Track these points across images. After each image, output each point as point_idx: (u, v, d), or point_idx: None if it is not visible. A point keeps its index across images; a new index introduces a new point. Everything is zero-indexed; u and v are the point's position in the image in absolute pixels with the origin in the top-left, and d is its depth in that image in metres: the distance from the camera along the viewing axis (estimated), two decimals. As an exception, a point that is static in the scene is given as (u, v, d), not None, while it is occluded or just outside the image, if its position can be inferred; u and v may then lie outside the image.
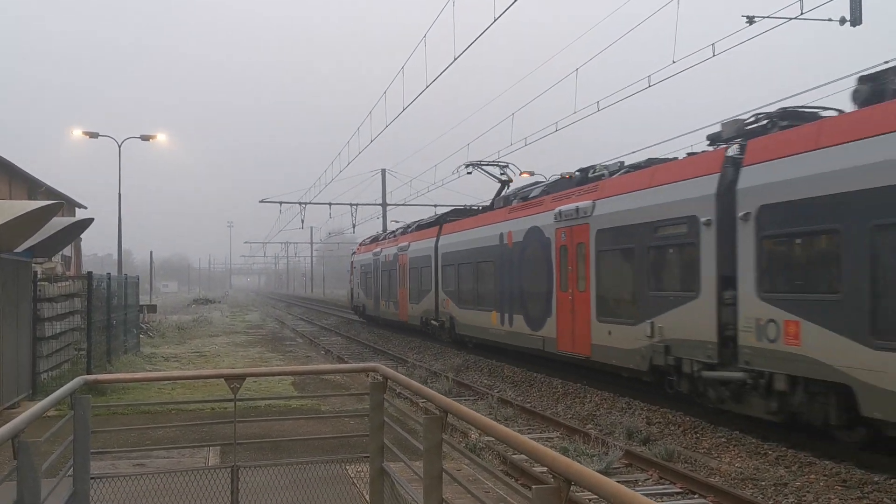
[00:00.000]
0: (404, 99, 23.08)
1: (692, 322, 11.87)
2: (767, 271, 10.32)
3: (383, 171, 51.17)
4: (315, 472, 6.06)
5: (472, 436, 11.40)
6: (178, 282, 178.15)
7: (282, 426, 10.15)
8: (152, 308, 33.14)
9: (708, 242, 11.52)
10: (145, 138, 34.20)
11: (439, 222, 26.30)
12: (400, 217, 75.34)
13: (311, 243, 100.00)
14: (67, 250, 34.52)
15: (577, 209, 15.45)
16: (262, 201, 50.68)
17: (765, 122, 11.44)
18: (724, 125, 12.18)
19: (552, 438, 11.77)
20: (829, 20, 15.20)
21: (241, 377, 5.87)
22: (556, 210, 16.43)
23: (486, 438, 11.21)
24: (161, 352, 22.23)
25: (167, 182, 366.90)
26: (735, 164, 11.20)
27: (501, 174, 25.46)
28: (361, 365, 6.85)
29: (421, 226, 28.53)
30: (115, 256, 34.97)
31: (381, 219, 52.19)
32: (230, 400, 6.36)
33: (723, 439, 11.10)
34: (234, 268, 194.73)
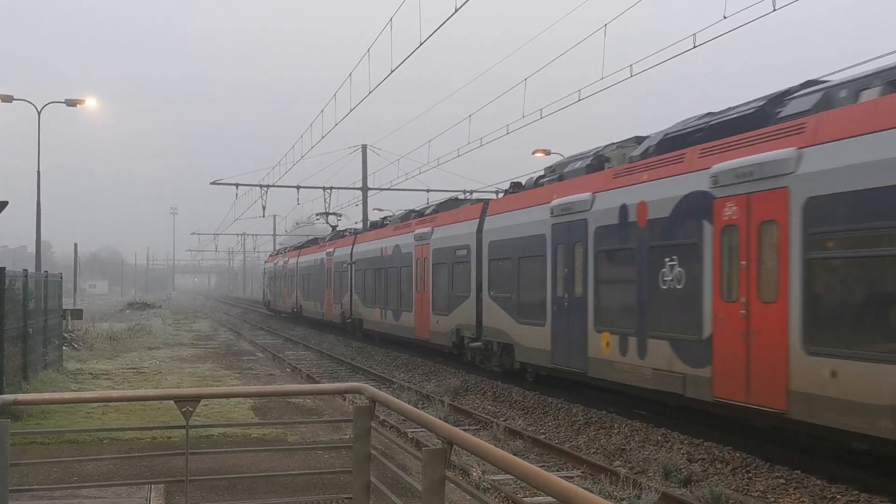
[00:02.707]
0: (392, 60, 23.08)
1: (467, 313, 22.43)
2: (493, 281, 20.83)
3: (364, 148, 50.99)
4: (285, 516, 6.07)
5: (475, 473, 11.43)
6: (108, 281, 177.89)
7: (239, 460, 10.16)
8: (77, 313, 33.11)
9: (473, 262, 22.08)
10: (71, 104, 34.23)
11: (356, 233, 38.62)
12: (385, 204, 75.18)
13: (275, 235, 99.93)
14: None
15: (423, 233, 25.98)
16: (214, 183, 50.56)
17: (509, 188, 22.48)
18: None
19: (572, 478, 11.81)
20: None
21: (195, 398, 5.89)
22: (416, 232, 26.76)
23: (494, 478, 11.24)
24: (89, 367, 22.21)
25: (97, 161, 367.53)
26: (484, 214, 21.80)
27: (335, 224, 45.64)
28: (343, 385, 6.87)
29: (341, 235, 42.15)
30: (32, 249, 34.97)
31: (360, 205, 52.17)
32: (180, 427, 6.38)
33: (780, 480, 11.16)
34: (178, 265, 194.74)
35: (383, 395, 5.66)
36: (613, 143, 17.36)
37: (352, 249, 35.65)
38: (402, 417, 15.36)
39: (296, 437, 12.19)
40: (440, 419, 14.87)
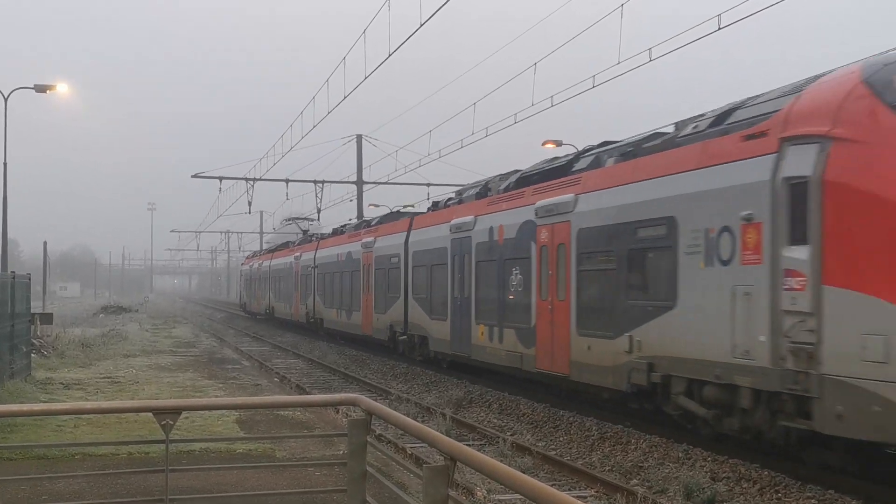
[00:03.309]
0: (390, 43, 23.08)
1: (398, 311, 28.10)
2: (415, 285, 26.75)
3: (359, 138, 50.98)
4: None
5: (479, 492, 11.42)
6: (80, 283, 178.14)
7: (224, 478, 10.16)
8: (47, 318, 33.16)
9: (402, 268, 27.78)
10: (40, 89, 34.22)
11: (320, 238, 44.92)
12: (382, 199, 74.90)
13: (262, 233, 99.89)
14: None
15: (368, 242, 32.15)
16: (195, 176, 50.58)
17: (430, 206, 29.17)
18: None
19: (586, 498, 11.80)
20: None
21: (176, 410, 5.88)
22: (363, 241, 32.97)
23: (500, 497, 11.22)
24: (59, 376, 22.23)
25: (68, 152, 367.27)
26: (410, 227, 27.80)
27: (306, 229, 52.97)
28: (336, 396, 6.85)
29: (305, 241, 49.49)
30: (-2, 248, 34.91)
31: (354, 200, 52.17)
32: (159, 441, 6.36)
33: (812, 501, 11.14)
34: (156, 265, 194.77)
35: (380, 407, 5.64)
36: (498, 175, 23.28)
37: (315, 254, 41.97)
38: (401, 431, 15.41)
39: (285, 453, 12.18)
40: (442, 433, 14.85)
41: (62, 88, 34.85)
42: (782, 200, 11.68)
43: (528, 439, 15.85)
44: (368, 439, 5.73)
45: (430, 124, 45.36)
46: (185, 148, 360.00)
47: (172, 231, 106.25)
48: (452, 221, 23.62)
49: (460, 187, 27.60)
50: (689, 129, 14.80)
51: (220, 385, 21.13)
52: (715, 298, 12.98)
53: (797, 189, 11.44)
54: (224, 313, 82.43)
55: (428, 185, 52.21)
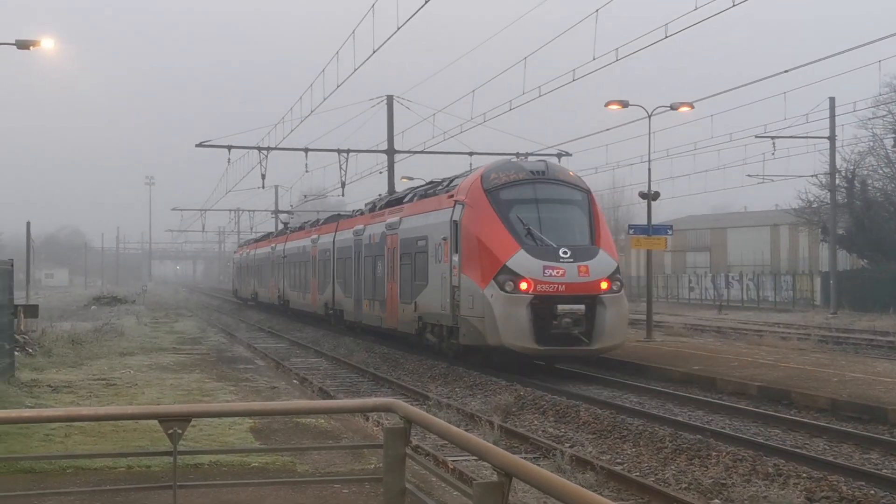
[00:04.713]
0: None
1: (329, 292, 45.74)
2: (338, 272, 44.47)
3: (390, 100, 50.85)
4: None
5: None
6: (68, 270, 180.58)
7: (237, 495, 10.29)
8: (32, 310, 33.48)
9: (332, 260, 45.18)
10: (23, 45, 34.15)
11: (285, 232, 63.61)
12: (417, 171, 74.66)
13: (277, 212, 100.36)
14: None
15: (313, 239, 50.77)
16: (200, 145, 50.97)
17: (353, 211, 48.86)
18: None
19: (658, 520, 11.80)
20: None
21: (185, 418, 5.97)
22: (311, 237, 51.70)
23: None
24: (47, 378, 22.52)
25: (54, 120, 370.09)
26: (336, 228, 46.15)
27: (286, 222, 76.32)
28: (370, 401, 6.92)
29: (281, 233, 65.99)
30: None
31: (385, 172, 52.17)
32: (165, 454, 6.46)
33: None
34: (155, 249, 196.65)
35: (421, 413, 5.70)
36: (383, 197, 40.59)
37: (285, 246, 59.56)
38: (441, 442, 15.51)
39: (307, 467, 12.28)
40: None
41: (47, 44, 34.86)
42: (452, 231, 26.82)
43: (590, 451, 15.85)
44: (407, 451, 5.80)
45: (472, 83, 45.41)
46: (188, 111, 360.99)
47: (174, 209, 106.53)
48: (355, 227, 40.22)
49: (377, 197, 43.92)
50: (440, 186, 30.63)
51: (232, 388, 21.33)
52: (439, 280, 27.97)
53: (455, 226, 26.63)
54: (233, 304, 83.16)
55: (471, 153, 52.05)
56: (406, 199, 33.72)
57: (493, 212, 25.69)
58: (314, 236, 49.88)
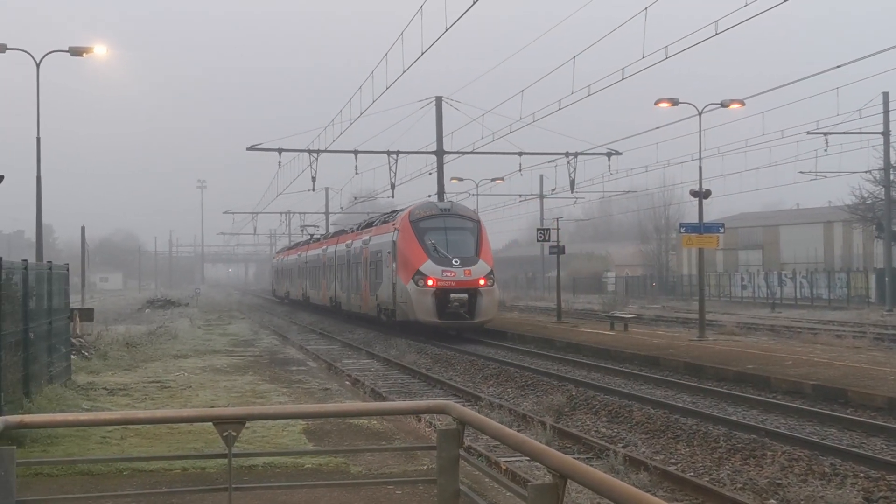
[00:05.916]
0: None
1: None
2: (338, 276, 63.21)
3: (438, 101, 50.95)
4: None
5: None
6: (123, 273, 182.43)
7: (291, 496, 10.33)
8: (87, 314, 33.81)
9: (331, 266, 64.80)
10: (76, 52, 34.74)
11: (308, 243, 78.53)
12: (466, 172, 74.57)
13: (327, 213, 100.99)
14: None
15: (325, 249, 65.82)
16: (251, 149, 51.38)
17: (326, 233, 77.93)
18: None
19: (713, 521, 11.70)
20: None
21: (240, 420, 6.00)
22: (322, 248, 67.67)
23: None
24: (103, 380, 22.72)
25: (107, 126, 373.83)
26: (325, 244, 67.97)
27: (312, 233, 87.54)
28: (423, 403, 6.92)
29: (305, 242, 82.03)
30: (30, 234, 35.87)
31: (434, 173, 52.30)
32: (220, 456, 6.49)
33: None
34: (208, 252, 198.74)
35: (474, 415, 5.69)
36: (377, 214, 57.07)
37: (306, 254, 75.04)
38: (493, 443, 15.49)
39: (360, 468, 12.28)
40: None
41: (100, 51, 35.27)
42: (392, 248, 41.68)
43: (644, 451, 15.77)
44: (461, 452, 5.79)
45: (521, 83, 45.28)
46: (239, 115, 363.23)
47: (226, 212, 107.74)
48: (346, 241, 54.95)
49: (368, 216, 60.58)
50: (390, 216, 46.01)
51: (285, 390, 21.41)
52: (386, 280, 42.92)
53: (393, 244, 41.55)
54: (286, 307, 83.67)
55: (520, 153, 52.14)
56: (374, 224, 49.32)
57: (414, 236, 40.02)
58: (325, 247, 63.95)
